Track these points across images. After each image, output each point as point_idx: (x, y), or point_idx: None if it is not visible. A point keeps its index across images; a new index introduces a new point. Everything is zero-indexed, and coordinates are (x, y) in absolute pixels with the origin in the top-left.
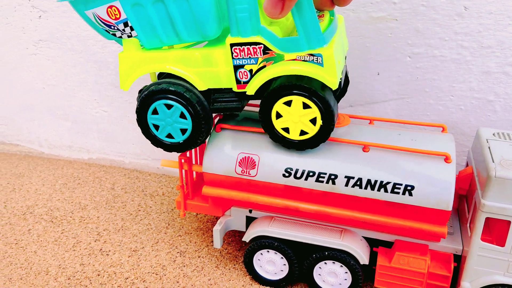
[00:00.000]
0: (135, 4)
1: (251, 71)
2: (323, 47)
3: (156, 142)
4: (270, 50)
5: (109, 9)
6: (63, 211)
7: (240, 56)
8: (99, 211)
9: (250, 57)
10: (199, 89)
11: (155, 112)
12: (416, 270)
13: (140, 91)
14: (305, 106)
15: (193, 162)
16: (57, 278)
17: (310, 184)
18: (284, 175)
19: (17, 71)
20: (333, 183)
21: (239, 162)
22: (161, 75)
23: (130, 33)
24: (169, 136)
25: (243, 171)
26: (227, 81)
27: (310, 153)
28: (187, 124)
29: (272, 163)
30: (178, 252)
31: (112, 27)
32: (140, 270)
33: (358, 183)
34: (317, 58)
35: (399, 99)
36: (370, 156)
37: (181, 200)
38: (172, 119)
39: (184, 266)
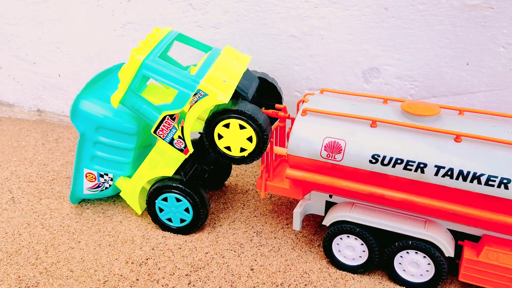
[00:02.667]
0: (93, 157)
1: (179, 137)
2: (200, 84)
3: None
4: (174, 114)
5: (88, 176)
6: None
7: (164, 133)
8: None
9: (169, 129)
10: (169, 176)
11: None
12: (507, 267)
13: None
14: (241, 127)
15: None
16: (142, 247)
17: (397, 171)
18: (370, 161)
19: (105, 52)
20: (422, 171)
21: (325, 147)
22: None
23: (109, 177)
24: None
25: (328, 155)
26: (176, 156)
27: (398, 141)
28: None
29: (359, 149)
30: (254, 232)
31: (99, 185)
32: (219, 247)
33: (449, 173)
34: (201, 93)
35: (489, 91)
36: (463, 147)
37: (263, 181)
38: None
39: (261, 245)
